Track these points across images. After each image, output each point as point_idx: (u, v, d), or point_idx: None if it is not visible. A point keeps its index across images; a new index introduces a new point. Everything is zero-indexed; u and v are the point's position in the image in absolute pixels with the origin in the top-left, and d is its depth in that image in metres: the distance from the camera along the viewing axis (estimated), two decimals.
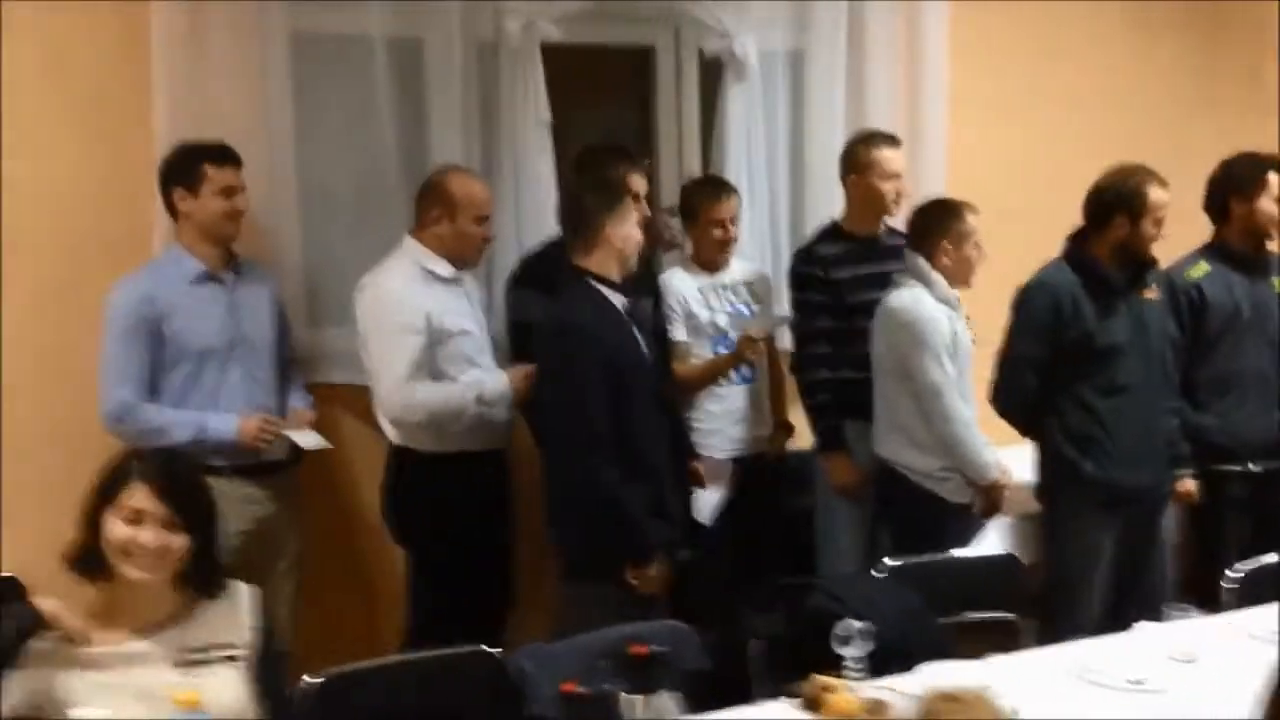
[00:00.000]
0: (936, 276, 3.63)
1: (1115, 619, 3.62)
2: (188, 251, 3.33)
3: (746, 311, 3.95)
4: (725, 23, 4.12)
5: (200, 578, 2.25)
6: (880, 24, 4.35)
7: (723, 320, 3.92)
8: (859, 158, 3.88)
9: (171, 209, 3.34)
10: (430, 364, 3.44)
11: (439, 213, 3.50)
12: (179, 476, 2.25)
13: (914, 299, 3.62)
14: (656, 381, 3.34)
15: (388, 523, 3.66)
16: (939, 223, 3.65)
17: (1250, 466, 3.88)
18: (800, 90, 4.34)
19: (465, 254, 3.56)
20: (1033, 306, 3.63)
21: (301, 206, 3.74)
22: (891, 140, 3.91)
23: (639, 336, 3.27)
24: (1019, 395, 3.68)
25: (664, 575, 3.20)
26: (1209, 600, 3.44)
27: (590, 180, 3.41)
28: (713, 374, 3.87)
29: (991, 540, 3.84)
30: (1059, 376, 3.63)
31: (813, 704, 2.20)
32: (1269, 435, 3.88)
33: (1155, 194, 3.58)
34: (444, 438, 3.50)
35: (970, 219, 3.65)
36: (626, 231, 3.23)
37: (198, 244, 3.33)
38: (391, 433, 3.57)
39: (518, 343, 3.64)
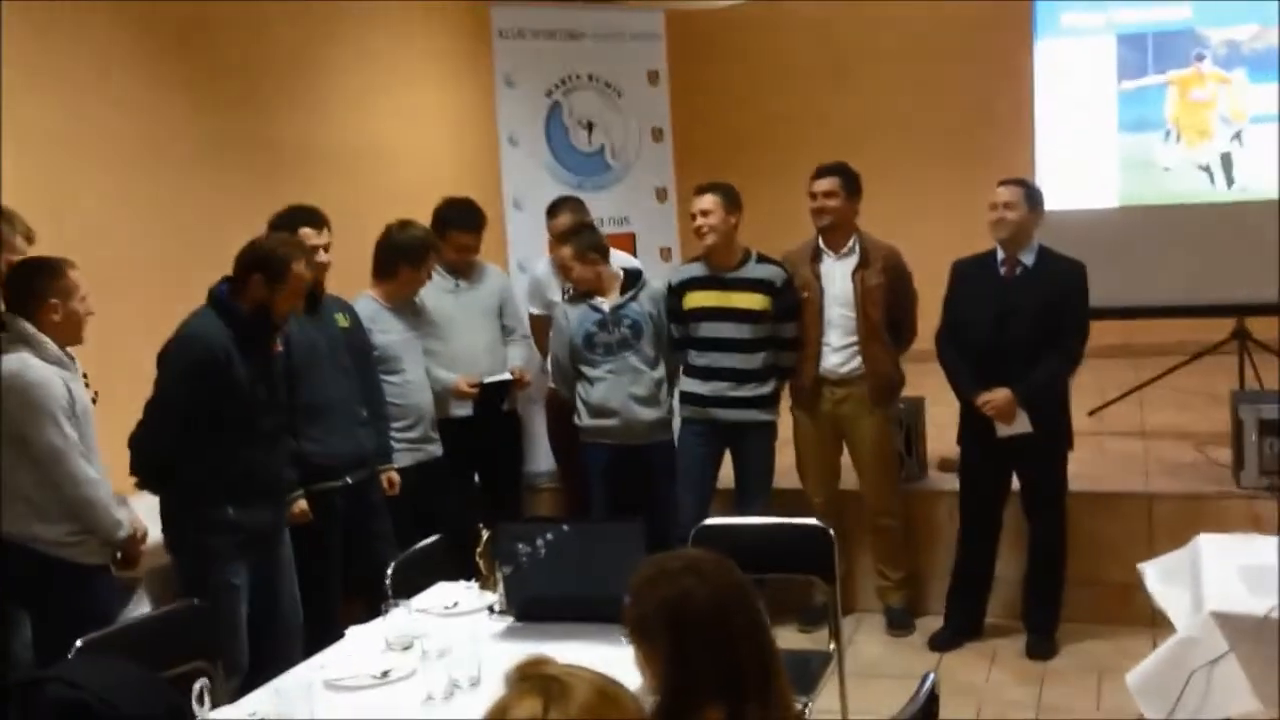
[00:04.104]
0: (44, 338, 3.47)
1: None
2: None
3: None
4: None
5: None
6: None
7: None
8: None
9: None
10: None
11: None
12: None
13: (21, 363, 3.42)
14: None
15: None
16: (40, 283, 3.48)
17: (347, 480, 4.27)
18: None
19: None
20: (186, 357, 3.65)
21: None
22: None
23: None
24: (166, 443, 3.67)
25: None
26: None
27: None
28: None
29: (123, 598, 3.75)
30: (204, 425, 3.67)
31: None
32: (357, 451, 4.32)
33: (298, 268, 3.78)
34: None
35: (72, 274, 3.53)
36: None
37: None
38: None
39: None
